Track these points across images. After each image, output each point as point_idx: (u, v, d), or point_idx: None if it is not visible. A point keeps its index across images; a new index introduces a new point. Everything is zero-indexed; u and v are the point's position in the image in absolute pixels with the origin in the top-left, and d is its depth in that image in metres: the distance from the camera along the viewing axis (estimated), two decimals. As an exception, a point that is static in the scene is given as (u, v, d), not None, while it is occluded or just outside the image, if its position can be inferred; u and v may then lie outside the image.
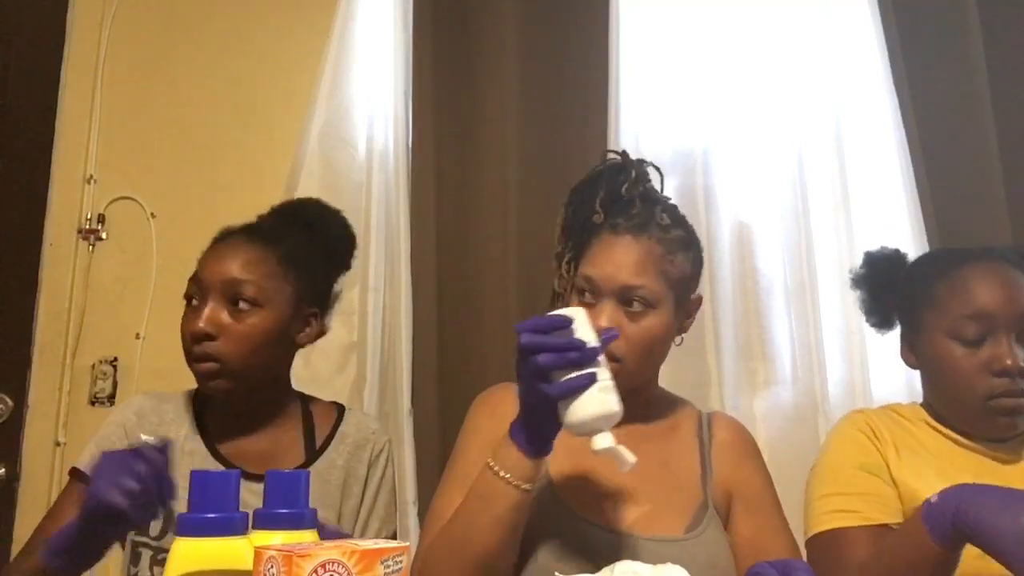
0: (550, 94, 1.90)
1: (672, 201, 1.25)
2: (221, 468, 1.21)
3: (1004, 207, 1.78)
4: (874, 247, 1.39)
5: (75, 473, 1.20)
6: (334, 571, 0.62)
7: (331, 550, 0.63)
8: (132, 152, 2.04)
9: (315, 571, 0.61)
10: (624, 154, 1.25)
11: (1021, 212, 1.79)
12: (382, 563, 0.65)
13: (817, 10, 1.88)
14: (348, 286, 1.82)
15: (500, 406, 1.19)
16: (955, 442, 1.21)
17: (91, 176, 2.03)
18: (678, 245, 1.18)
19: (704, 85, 1.87)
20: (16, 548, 1.81)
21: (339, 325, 1.79)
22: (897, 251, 1.37)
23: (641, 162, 1.24)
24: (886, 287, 1.34)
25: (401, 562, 0.66)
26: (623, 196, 1.20)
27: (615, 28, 1.85)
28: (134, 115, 2.05)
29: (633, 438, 1.16)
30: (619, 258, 1.15)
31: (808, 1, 1.89)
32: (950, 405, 1.22)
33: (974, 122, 1.83)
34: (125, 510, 0.89)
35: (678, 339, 1.22)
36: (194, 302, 1.21)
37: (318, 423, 1.31)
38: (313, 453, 1.27)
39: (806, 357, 1.73)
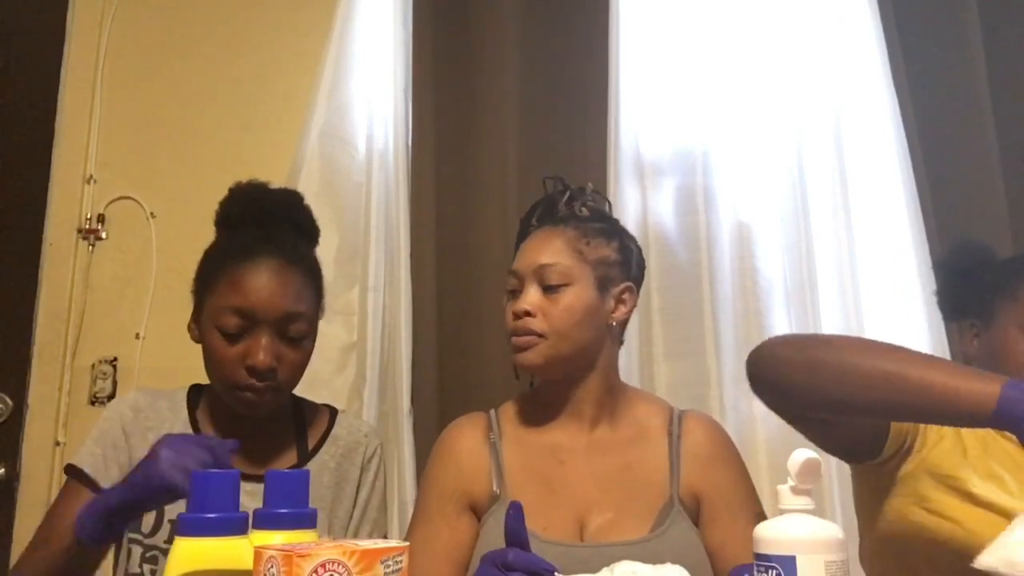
0: (550, 94, 1.90)
1: (619, 221, 1.37)
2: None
3: (1004, 207, 1.78)
4: (962, 238, 1.40)
5: (72, 471, 1.20)
6: (334, 571, 0.62)
7: (331, 550, 0.63)
8: (132, 152, 2.04)
9: (315, 571, 0.61)
10: (562, 179, 1.35)
11: (1021, 212, 1.79)
12: (382, 563, 0.65)
13: (817, 10, 1.88)
14: (348, 286, 1.82)
15: (454, 452, 1.24)
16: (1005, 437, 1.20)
17: (91, 176, 2.03)
18: (595, 232, 1.27)
19: (704, 85, 1.86)
20: (16, 548, 1.81)
21: (339, 325, 1.80)
22: (984, 243, 1.38)
23: (582, 188, 1.34)
24: (967, 276, 1.34)
25: (401, 562, 0.66)
26: (559, 210, 1.31)
27: (615, 28, 1.85)
28: (134, 115, 2.05)
29: (599, 447, 1.22)
30: (535, 245, 1.26)
31: (808, 1, 1.89)
32: None
33: (974, 122, 1.83)
34: (183, 490, 0.94)
35: (614, 324, 1.25)
36: (233, 329, 1.17)
37: (310, 425, 1.31)
38: (305, 455, 1.27)
39: (806, 357, 1.73)
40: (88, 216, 2.01)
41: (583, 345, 1.22)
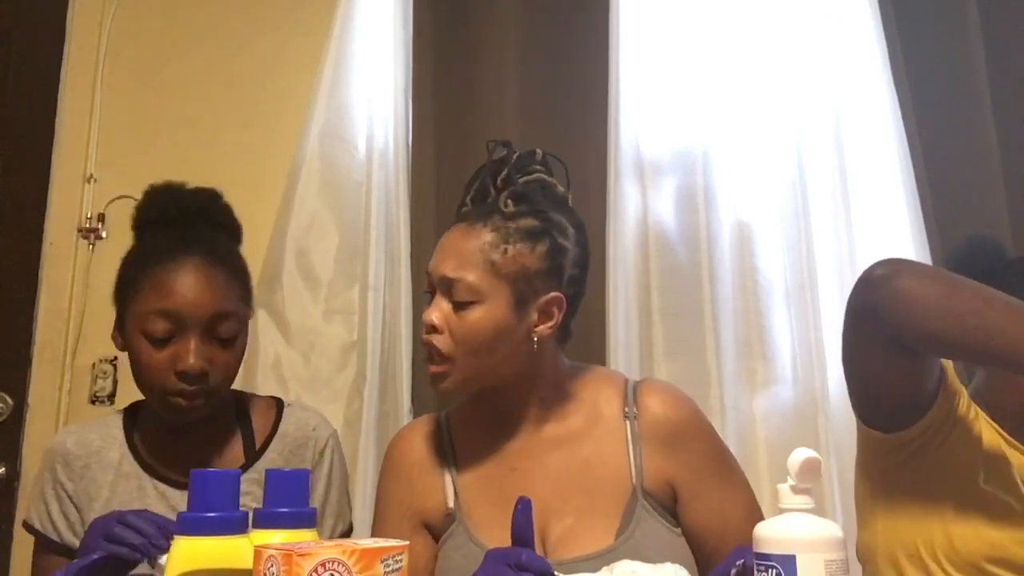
0: (550, 94, 1.90)
1: (563, 192, 1.19)
2: (159, 484, 1.20)
3: (1004, 207, 1.78)
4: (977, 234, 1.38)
5: (28, 528, 1.21)
6: (334, 570, 0.62)
7: (331, 549, 0.63)
8: (132, 151, 2.04)
9: (315, 570, 0.61)
10: (508, 144, 1.19)
11: (1021, 212, 1.79)
12: (382, 562, 0.65)
13: (817, 10, 1.88)
14: (348, 285, 1.82)
15: (404, 467, 1.18)
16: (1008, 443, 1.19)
17: (91, 175, 2.03)
18: (518, 235, 1.10)
19: (704, 84, 1.86)
20: (16, 548, 1.81)
21: (339, 324, 1.80)
22: (996, 240, 1.37)
23: (529, 153, 1.18)
24: (986, 276, 1.32)
25: (401, 561, 0.66)
26: (496, 186, 1.15)
27: (615, 28, 1.85)
28: (134, 115, 2.05)
29: (551, 444, 1.14)
30: (444, 248, 1.12)
31: (808, 1, 1.89)
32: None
33: (974, 121, 1.83)
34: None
35: (536, 339, 1.11)
36: (159, 335, 1.13)
37: (257, 423, 1.27)
38: (253, 455, 1.23)
39: (806, 356, 1.73)
40: (88, 215, 2.01)
41: (495, 364, 1.11)
